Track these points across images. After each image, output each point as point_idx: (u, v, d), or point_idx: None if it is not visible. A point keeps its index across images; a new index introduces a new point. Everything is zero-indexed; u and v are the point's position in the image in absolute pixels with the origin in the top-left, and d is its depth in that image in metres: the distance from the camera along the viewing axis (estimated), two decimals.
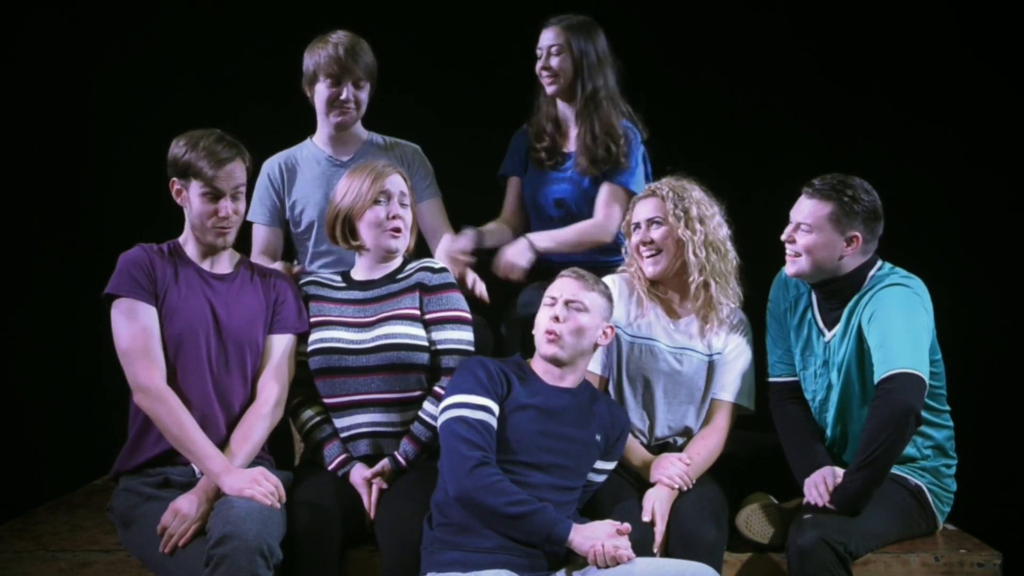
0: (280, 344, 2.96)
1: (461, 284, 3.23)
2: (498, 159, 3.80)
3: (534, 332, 2.94)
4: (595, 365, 3.09)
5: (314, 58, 3.42)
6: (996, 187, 4.22)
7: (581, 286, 2.89)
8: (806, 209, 3.00)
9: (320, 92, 3.42)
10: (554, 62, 3.53)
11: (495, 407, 2.78)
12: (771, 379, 3.22)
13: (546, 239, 3.48)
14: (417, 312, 3.04)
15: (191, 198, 2.88)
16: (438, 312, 3.05)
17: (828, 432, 3.11)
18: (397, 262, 3.14)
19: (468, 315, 3.11)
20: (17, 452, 3.90)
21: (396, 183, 3.05)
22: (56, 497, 3.44)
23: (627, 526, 2.66)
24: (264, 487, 2.68)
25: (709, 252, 3.10)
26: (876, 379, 2.85)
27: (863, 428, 2.87)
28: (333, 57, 3.37)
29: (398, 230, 3.04)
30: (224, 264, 2.99)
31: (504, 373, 2.85)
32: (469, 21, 4.36)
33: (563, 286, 2.90)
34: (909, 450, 2.98)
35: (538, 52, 3.58)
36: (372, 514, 2.90)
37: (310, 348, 3.00)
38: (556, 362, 2.87)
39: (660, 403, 3.14)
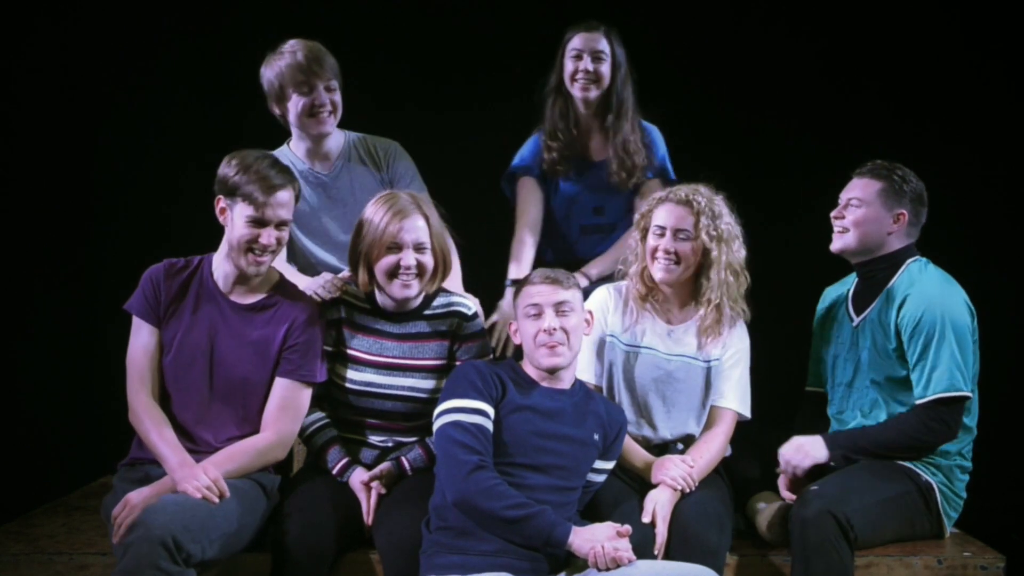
0: (288, 388, 2.90)
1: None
2: (481, 148, 3.81)
3: (519, 341, 2.90)
4: (588, 374, 3.08)
5: (275, 72, 3.30)
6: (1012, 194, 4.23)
7: (559, 288, 2.84)
8: (857, 186, 3.15)
9: (293, 105, 3.32)
10: (603, 68, 3.54)
11: (490, 410, 2.76)
12: (807, 388, 3.37)
13: (596, 267, 3.61)
14: (443, 362, 3.04)
15: (234, 219, 2.84)
16: (468, 358, 3.04)
17: (854, 416, 3.14)
18: (421, 296, 3.08)
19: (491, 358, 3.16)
20: (14, 454, 3.88)
21: (412, 230, 2.93)
22: (53, 500, 3.42)
23: (628, 528, 2.64)
24: (200, 480, 2.66)
25: (727, 274, 3.05)
26: (920, 394, 2.97)
27: (895, 424, 3.01)
28: (297, 65, 3.26)
29: (409, 281, 2.94)
30: (253, 292, 2.94)
31: (498, 376, 2.83)
32: (450, 11, 4.32)
33: (543, 293, 2.83)
34: None
35: (572, 53, 3.56)
36: (370, 519, 2.88)
37: (338, 382, 3.00)
38: (556, 370, 2.85)
39: (658, 410, 3.10)
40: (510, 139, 3.93)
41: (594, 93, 3.56)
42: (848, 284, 3.28)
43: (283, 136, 3.53)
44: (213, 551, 2.59)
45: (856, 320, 3.16)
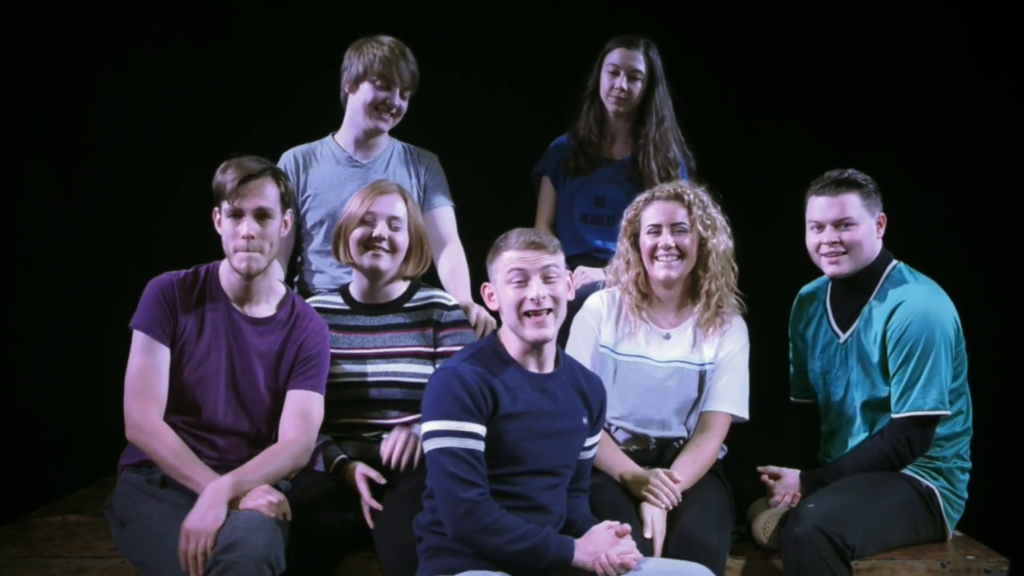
0: (303, 398, 2.86)
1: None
2: (517, 170, 3.89)
3: (495, 306, 2.74)
4: None
5: (365, 57, 3.31)
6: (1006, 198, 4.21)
7: (544, 252, 2.67)
8: (838, 206, 3.00)
9: (364, 92, 3.34)
10: (636, 87, 3.62)
11: (481, 429, 2.60)
12: (793, 399, 3.32)
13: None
14: (425, 349, 3.04)
15: (222, 222, 2.80)
16: (452, 348, 3.02)
17: (847, 430, 3.10)
18: (401, 287, 3.10)
19: None
20: (11, 457, 3.87)
21: (387, 204, 3.00)
22: (50, 502, 3.41)
23: (626, 527, 2.60)
24: (267, 498, 2.63)
25: (723, 263, 3.06)
26: (897, 409, 2.94)
27: (865, 453, 2.98)
28: (387, 60, 3.29)
29: (379, 252, 2.98)
30: (262, 305, 2.90)
31: (488, 385, 2.64)
32: (485, 27, 4.34)
33: (527, 259, 2.66)
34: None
35: (609, 67, 3.63)
36: (367, 508, 2.83)
37: None
38: (544, 341, 2.68)
39: (653, 417, 3.07)
40: (516, 147, 3.96)
41: (621, 109, 3.66)
42: (822, 287, 3.20)
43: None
44: (284, 563, 2.58)
45: (843, 337, 3.09)
